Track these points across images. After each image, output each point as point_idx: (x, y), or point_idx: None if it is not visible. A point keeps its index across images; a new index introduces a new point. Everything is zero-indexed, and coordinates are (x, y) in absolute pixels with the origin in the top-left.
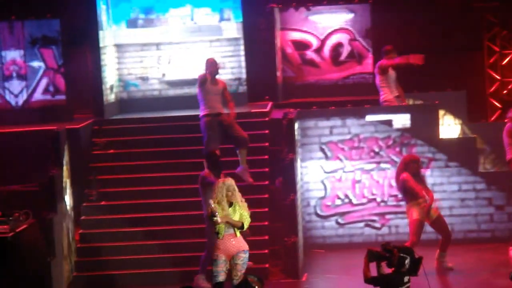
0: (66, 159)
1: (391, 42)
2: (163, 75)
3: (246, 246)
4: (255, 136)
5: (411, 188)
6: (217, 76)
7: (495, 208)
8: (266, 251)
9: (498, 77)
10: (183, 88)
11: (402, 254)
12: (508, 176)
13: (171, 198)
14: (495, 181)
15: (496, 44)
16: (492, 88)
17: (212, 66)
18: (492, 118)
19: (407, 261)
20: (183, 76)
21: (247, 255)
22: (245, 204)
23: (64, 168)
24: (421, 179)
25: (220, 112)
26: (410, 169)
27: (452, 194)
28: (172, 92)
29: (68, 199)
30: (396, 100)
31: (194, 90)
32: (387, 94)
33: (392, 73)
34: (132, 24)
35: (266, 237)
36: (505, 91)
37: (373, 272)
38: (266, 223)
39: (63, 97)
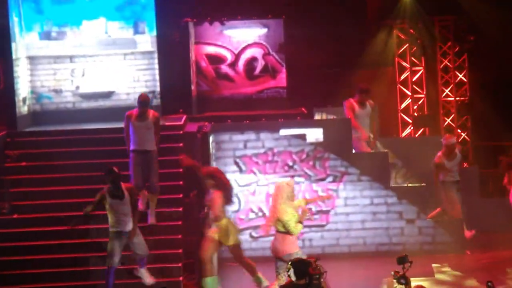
0: None
1: (304, 57)
2: (77, 87)
3: None
4: (169, 149)
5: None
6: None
7: (406, 222)
8: (180, 264)
9: (408, 93)
10: (97, 101)
11: (289, 264)
12: (418, 190)
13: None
14: (406, 195)
15: (406, 60)
16: (403, 104)
17: (142, 105)
18: (403, 133)
19: (289, 272)
20: (97, 89)
21: None
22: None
23: None
24: None
25: (146, 149)
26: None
27: (364, 208)
28: (86, 104)
29: None
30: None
31: (108, 102)
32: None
33: (360, 112)
34: (45, 36)
35: (180, 251)
36: (415, 107)
37: None
38: (180, 236)
39: None
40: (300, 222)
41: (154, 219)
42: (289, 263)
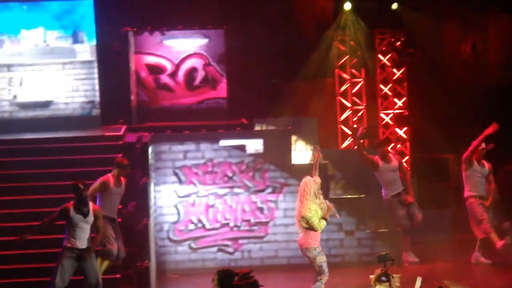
0: None
1: (244, 68)
2: (14, 97)
3: None
4: (108, 159)
5: None
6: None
7: (345, 234)
8: (118, 275)
9: (348, 105)
10: (35, 110)
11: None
12: (357, 201)
13: (20, 222)
14: (345, 207)
15: (347, 72)
16: (343, 116)
17: (123, 169)
18: (343, 145)
19: (214, 282)
20: (35, 98)
21: None
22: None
23: None
24: None
25: (115, 217)
26: None
27: None
28: (23, 114)
29: None
30: (392, 199)
31: (46, 112)
32: (384, 192)
33: (385, 166)
34: None
35: (119, 262)
36: (355, 118)
37: None
38: None
39: None
40: (325, 218)
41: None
42: (216, 272)
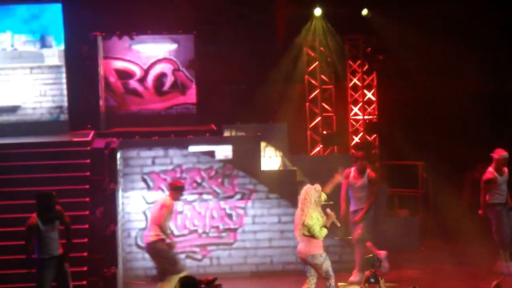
0: None
1: (214, 73)
2: None
3: None
4: (76, 165)
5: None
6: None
7: None
8: (85, 282)
9: (318, 111)
10: (1, 115)
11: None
12: (326, 208)
13: None
14: None
15: (316, 78)
16: (313, 122)
17: (180, 191)
18: (312, 151)
19: None
20: (2, 103)
21: None
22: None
23: None
24: None
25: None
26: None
27: (272, 226)
28: None
29: None
30: (352, 214)
31: (13, 117)
32: (351, 206)
33: (354, 183)
34: None
35: (85, 268)
36: (324, 125)
37: None
38: (85, 254)
39: None
40: (325, 226)
41: None
42: (178, 280)
